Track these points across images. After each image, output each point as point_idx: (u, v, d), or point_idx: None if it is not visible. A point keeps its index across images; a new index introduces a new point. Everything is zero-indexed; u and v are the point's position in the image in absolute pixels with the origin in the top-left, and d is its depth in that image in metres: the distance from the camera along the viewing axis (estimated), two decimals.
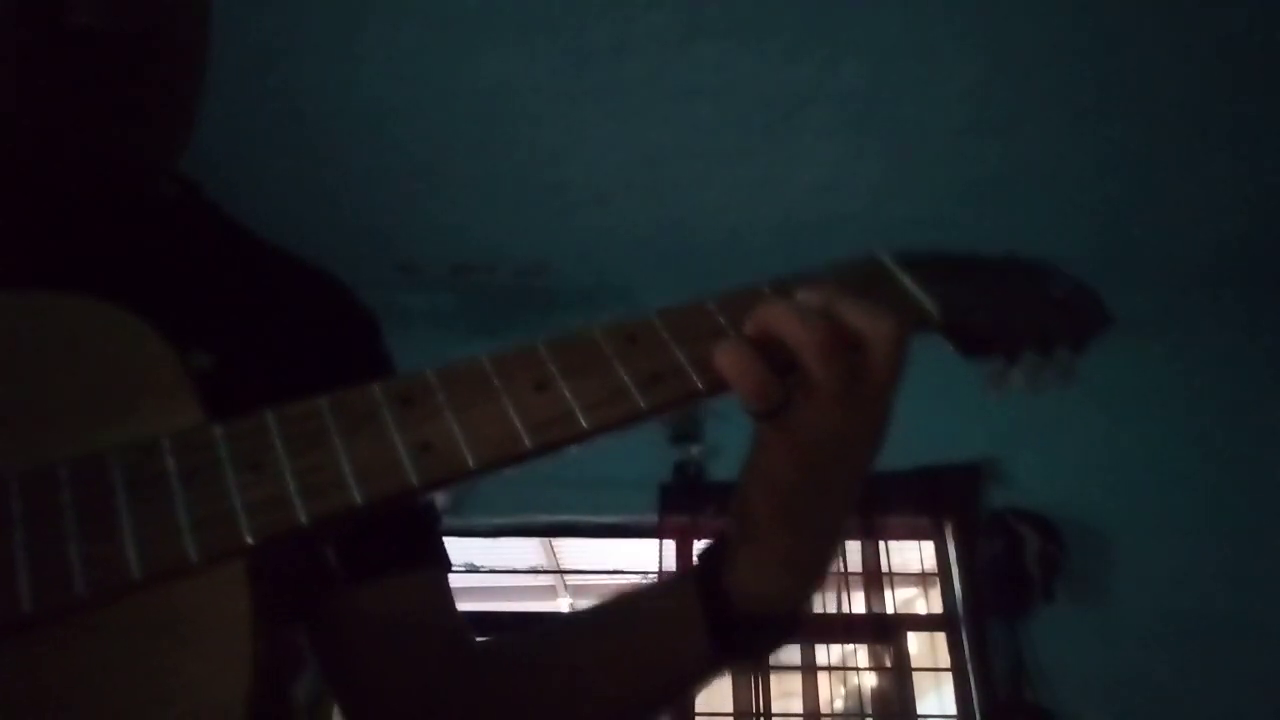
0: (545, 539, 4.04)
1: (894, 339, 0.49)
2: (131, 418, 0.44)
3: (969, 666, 2.71)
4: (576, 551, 4.40)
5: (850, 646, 2.82)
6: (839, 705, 2.90)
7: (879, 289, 0.54)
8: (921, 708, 2.77)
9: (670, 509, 2.89)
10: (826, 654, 2.74)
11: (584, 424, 0.46)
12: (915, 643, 2.88)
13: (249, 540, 0.40)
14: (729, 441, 2.95)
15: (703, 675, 0.61)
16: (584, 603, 4.87)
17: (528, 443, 0.45)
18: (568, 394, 0.46)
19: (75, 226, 0.59)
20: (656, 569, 2.85)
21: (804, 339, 0.48)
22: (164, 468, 0.41)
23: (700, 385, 0.48)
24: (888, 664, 2.76)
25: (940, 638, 2.86)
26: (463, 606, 0.69)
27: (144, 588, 0.39)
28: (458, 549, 2.06)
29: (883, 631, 2.76)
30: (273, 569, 0.43)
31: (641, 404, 0.47)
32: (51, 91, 0.54)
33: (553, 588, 4.99)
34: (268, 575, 0.42)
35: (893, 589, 2.80)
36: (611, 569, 4.04)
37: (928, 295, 0.54)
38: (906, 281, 0.54)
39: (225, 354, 0.47)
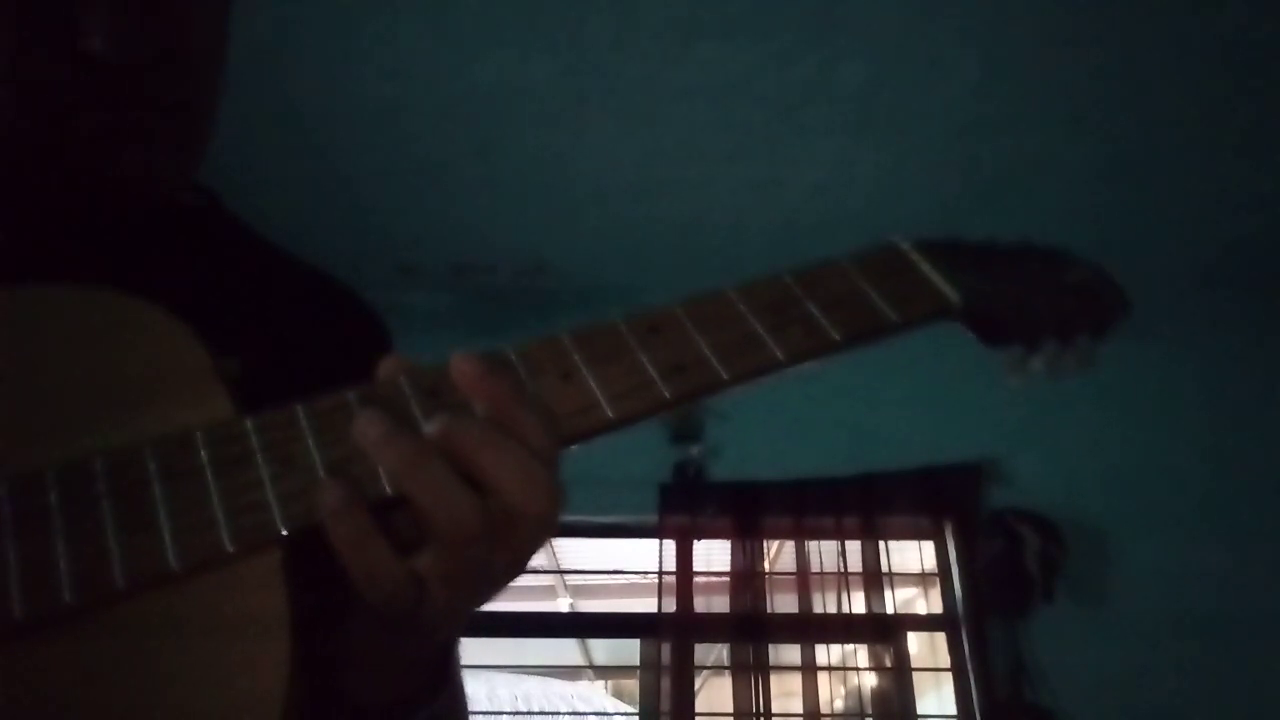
0: None
1: (548, 521, 0.42)
2: (163, 410, 0.44)
3: (969, 666, 2.71)
4: (576, 551, 4.40)
5: (850, 646, 2.82)
6: (839, 705, 2.90)
7: (898, 277, 0.53)
8: (921, 708, 2.77)
9: (670, 509, 2.89)
10: (826, 654, 2.74)
11: (610, 414, 0.46)
12: (915, 643, 2.88)
13: (282, 530, 0.41)
14: (729, 441, 2.95)
15: None
16: (584, 603, 4.89)
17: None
18: (593, 384, 0.46)
19: (97, 238, 0.60)
20: (657, 569, 2.85)
21: (441, 518, 0.40)
22: (197, 459, 0.42)
23: (725, 375, 0.48)
24: (888, 664, 2.76)
25: (940, 638, 2.86)
26: None
27: (181, 578, 0.40)
28: None
29: (883, 631, 2.76)
30: (311, 568, 0.43)
31: (666, 394, 0.47)
32: (67, 112, 0.54)
33: (552, 588, 5.00)
34: (306, 574, 0.42)
35: (893, 589, 2.80)
36: (611, 569, 4.04)
37: (949, 283, 0.53)
38: (927, 269, 0.54)
39: (250, 360, 0.47)
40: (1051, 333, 0.55)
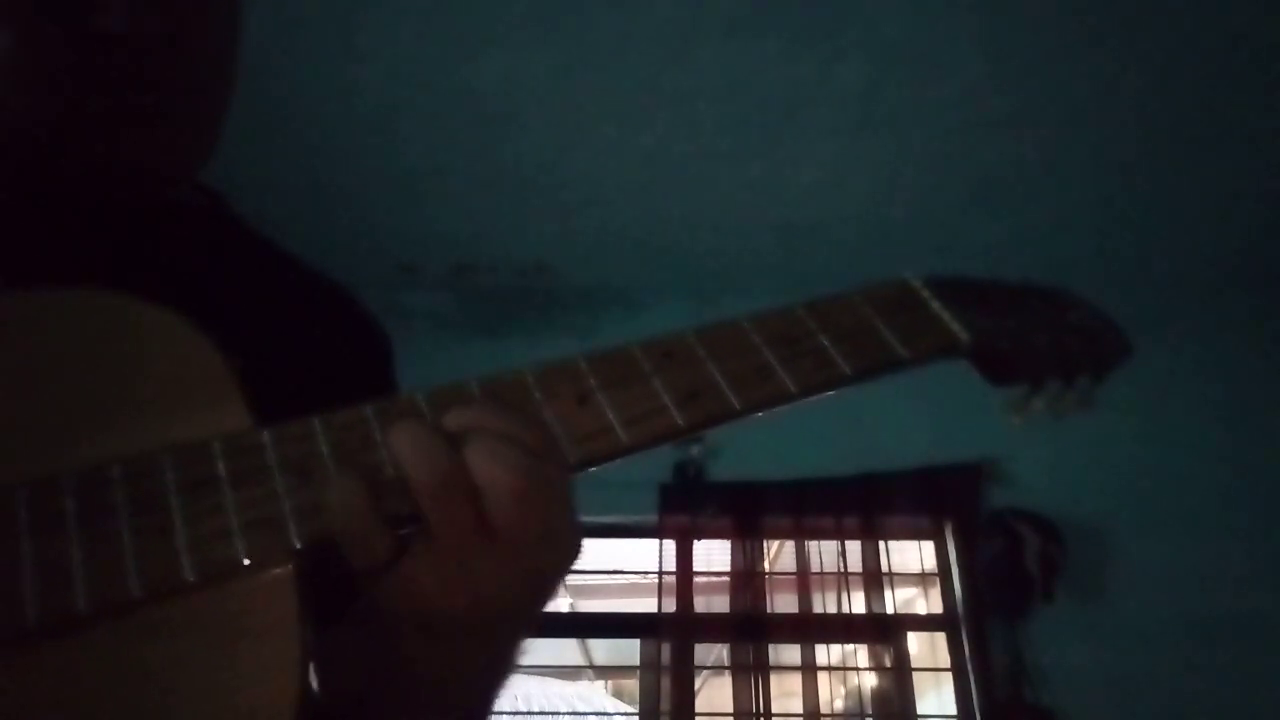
0: None
1: (512, 490, 0.42)
2: (179, 417, 0.44)
3: (969, 666, 2.70)
4: None
5: (850, 646, 2.82)
6: (839, 705, 2.90)
7: (909, 314, 0.54)
8: (921, 708, 2.77)
9: (670, 509, 2.89)
10: (826, 654, 2.74)
11: (624, 439, 0.46)
12: (915, 643, 2.87)
13: (297, 544, 0.41)
14: (729, 441, 2.95)
15: None
16: (584, 603, 4.89)
17: (570, 457, 0.46)
18: (608, 408, 0.47)
19: (102, 232, 0.59)
20: (657, 569, 2.85)
21: (420, 479, 0.41)
22: (215, 470, 0.42)
23: (737, 404, 0.48)
24: (888, 664, 2.76)
25: (940, 638, 2.86)
26: None
27: (196, 588, 0.40)
28: None
29: (883, 631, 2.76)
30: (321, 570, 0.43)
31: (680, 421, 0.47)
32: (79, 94, 0.54)
33: None
34: (316, 577, 0.42)
35: (893, 589, 2.80)
36: (611, 569, 4.04)
37: (958, 321, 0.54)
38: (937, 307, 0.54)
39: (250, 361, 0.47)
40: (1055, 373, 0.56)
